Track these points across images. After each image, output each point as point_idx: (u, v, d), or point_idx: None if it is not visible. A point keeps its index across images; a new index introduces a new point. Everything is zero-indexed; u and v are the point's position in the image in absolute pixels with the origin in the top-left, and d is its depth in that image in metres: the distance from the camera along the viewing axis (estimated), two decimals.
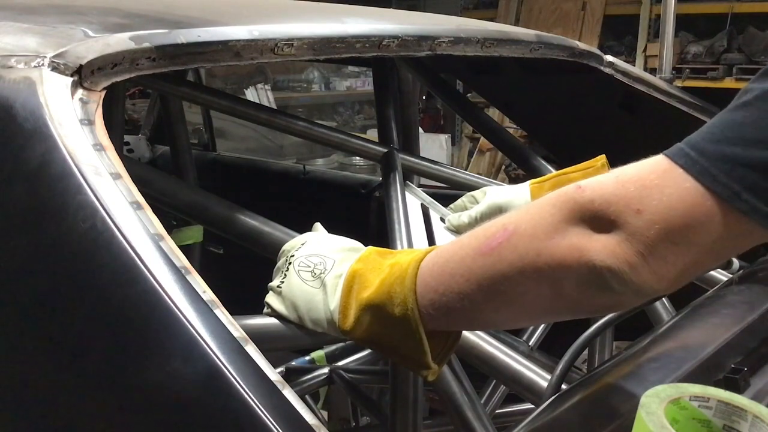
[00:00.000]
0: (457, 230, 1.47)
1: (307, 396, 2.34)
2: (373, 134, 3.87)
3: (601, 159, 1.43)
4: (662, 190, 0.74)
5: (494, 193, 1.48)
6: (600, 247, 0.74)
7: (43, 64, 0.87)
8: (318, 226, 1.06)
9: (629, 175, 0.78)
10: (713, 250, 0.76)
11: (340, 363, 2.33)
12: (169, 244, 0.76)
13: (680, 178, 0.75)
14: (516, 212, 0.82)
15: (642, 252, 0.73)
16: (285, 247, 1.00)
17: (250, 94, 6.15)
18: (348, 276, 0.90)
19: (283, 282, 0.95)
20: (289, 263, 0.95)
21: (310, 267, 0.93)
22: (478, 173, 3.29)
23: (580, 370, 1.58)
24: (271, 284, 0.97)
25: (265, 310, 0.96)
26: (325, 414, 2.58)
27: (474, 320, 0.86)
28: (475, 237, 0.82)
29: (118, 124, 2.58)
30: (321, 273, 0.92)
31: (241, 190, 2.95)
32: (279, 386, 0.69)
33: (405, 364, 0.91)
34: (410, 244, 1.42)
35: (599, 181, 0.79)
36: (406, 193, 1.66)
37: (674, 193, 0.74)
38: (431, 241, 1.49)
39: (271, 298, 0.96)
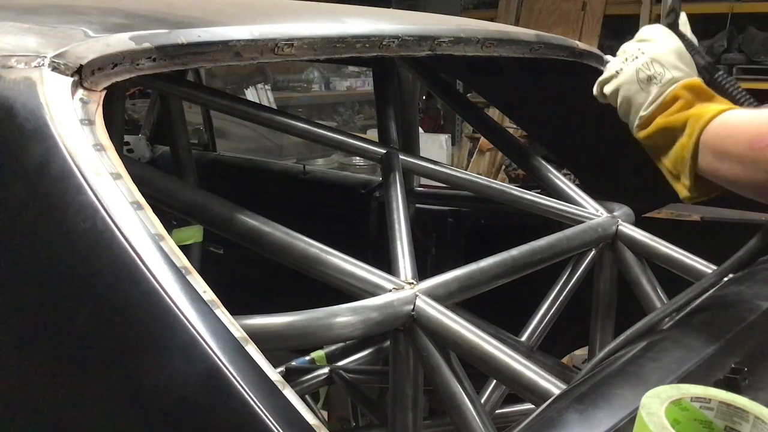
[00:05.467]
0: None
1: (307, 396, 2.35)
2: (373, 134, 3.87)
3: None
4: None
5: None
6: None
7: (43, 64, 0.87)
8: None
9: None
10: None
11: (340, 363, 2.33)
12: (169, 244, 0.76)
13: None
14: None
15: None
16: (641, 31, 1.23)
17: (250, 94, 6.15)
18: (666, 98, 1.12)
19: (621, 68, 1.18)
20: (636, 57, 1.17)
21: (650, 72, 1.15)
22: (478, 173, 3.28)
23: (581, 370, 1.58)
24: (612, 61, 1.21)
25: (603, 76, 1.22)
26: (325, 414, 2.59)
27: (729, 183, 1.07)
28: (745, 128, 1.02)
29: (118, 124, 2.58)
30: (654, 81, 1.14)
31: (241, 190, 2.94)
32: (279, 386, 0.69)
33: (665, 173, 1.15)
34: (410, 244, 1.42)
35: None
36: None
37: None
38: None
39: (607, 72, 1.21)
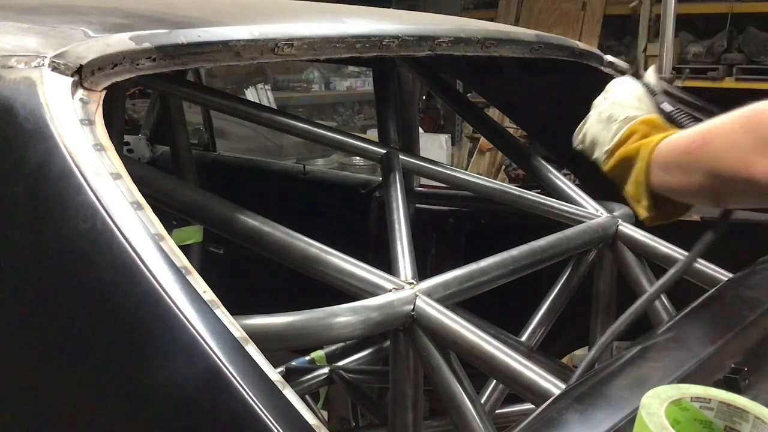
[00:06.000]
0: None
1: (307, 396, 2.34)
2: (373, 134, 3.87)
3: None
4: None
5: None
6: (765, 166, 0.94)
7: (43, 64, 0.87)
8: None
9: None
10: None
11: (340, 363, 2.33)
12: (169, 244, 0.76)
13: None
14: (709, 125, 1.08)
15: None
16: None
17: (250, 94, 6.15)
18: (624, 133, 1.23)
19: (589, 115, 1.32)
20: (600, 104, 1.32)
21: (610, 112, 1.27)
22: (478, 173, 3.28)
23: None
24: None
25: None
26: (325, 414, 2.59)
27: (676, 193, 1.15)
28: (684, 138, 1.12)
29: (118, 124, 2.58)
30: (613, 119, 1.26)
31: (241, 190, 2.94)
32: (279, 386, 0.69)
33: (629, 201, 1.23)
34: (410, 244, 1.42)
35: None
36: None
37: None
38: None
39: (580, 124, 1.34)
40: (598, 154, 1.28)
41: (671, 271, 1.21)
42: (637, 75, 1.36)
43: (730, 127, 1.03)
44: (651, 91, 1.31)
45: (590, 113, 1.33)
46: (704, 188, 1.08)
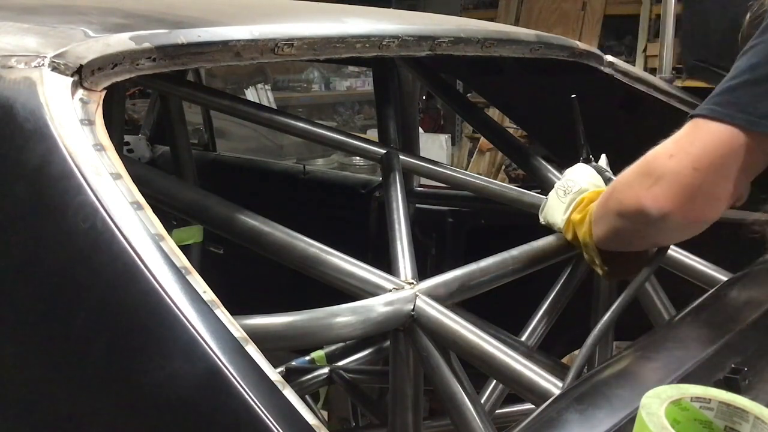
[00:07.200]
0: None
1: (307, 396, 2.35)
2: (373, 134, 3.87)
3: None
4: (692, 136, 1.07)
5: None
6: (650, 196, 1.09)
7: (43, 64, 0.87)
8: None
9: (668, 139, 1.11)
10: (743, 175, 1.06)
11: (340, 363, 2.33)
12: (169, 244, 0.76)
13: (704, 125, 1.06)
14: (618, 176, 1.23)
15: (680, 192, 1.06)
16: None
17: (250, 94, 6.15)
18: (577, 202, 1.37)
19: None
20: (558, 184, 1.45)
21: (565, 187, 1.40)
22: (478, 173, 3.28)
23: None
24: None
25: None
26: (325, 414, 2.59)
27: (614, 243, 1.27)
28: (607, 191, 1.27)
29: (118, 124, 2.58)
30: (568, 192, 1.39)
31: (241, 190, 2.94)
32: (279, 386, 0.69)
33: (591, 264, 1.36)
34: (410, 244, 1.42)
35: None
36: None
37: (703, 137, 1.06)
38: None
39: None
40: (558, 223, 1.39)
41: (614, 306, 1.24)
42: (588, 159, 1.53)
43: (629, 173, 1.18)
44: (602, 171, 1.46)
45: (549, 193, 1.46)
46: (618, 231, 1.22)
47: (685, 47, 2.51)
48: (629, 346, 1.02)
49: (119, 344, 0.74)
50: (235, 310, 0.77)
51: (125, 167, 0.82)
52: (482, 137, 5.87)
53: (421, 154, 2.28)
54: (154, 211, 0.79)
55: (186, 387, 0.70)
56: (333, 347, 2.36)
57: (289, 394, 0.69)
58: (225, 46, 1.03)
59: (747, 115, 1.03)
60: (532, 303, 1.63)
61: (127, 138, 3.14)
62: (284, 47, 1.11)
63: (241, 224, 1.24)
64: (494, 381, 1.49)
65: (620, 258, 1.31)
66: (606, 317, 1.21)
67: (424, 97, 7.03)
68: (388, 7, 5.84)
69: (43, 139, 0.81)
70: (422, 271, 1.33)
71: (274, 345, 1.06)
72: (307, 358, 2.36)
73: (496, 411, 1.56)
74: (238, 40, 1.05)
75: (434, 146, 6.51)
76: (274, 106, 5.95)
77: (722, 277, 1.44)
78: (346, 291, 1.23)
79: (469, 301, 1.33)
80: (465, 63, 2.07)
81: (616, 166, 2.06)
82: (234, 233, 1.25)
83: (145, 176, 1.20)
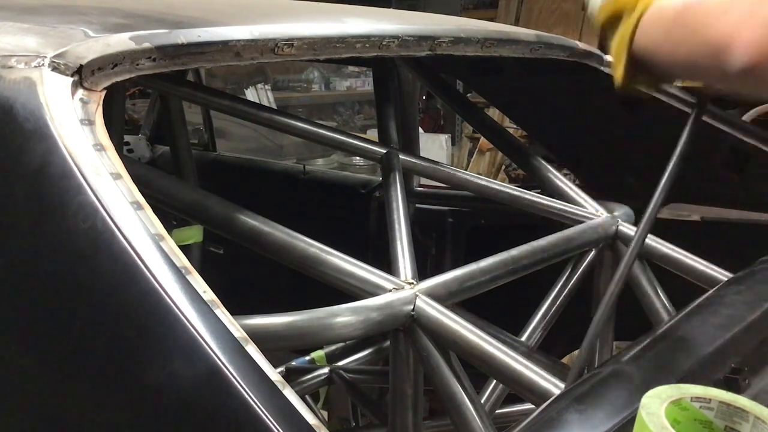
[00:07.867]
0: None
1: (307, 396, 2.35)
2: (373, 134, 3.87)
3: None
4: None
5: None
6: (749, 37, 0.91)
7: (43, 64, 0.87)
8: None
9: None
10: None
11: (340, 363, 2.33)
12: (169, 244, 0.76)
13: None
14: None
15: None
16: None
17: (250, 94, 6.15)
18: None
19: None
20: None
21: None
22: (478, 173, 3.27)
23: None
24: None
25: None
26: (325, 414, 2.59)
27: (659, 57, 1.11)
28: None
29: (118, 124, 2.58)
30: None
31: (241, 190, 2.94)
32: (279, 386, 0.69)
33: (611, 64, 1.19)
34: (410, 244, 1.42)
35: None
36: None
37: None
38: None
39: None
40: (595, 11, 1.19)
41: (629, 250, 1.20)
42: None
43: None
44: None
45: None
46: (678, 55, 1.04)
47: None
48: (629, 346, 1.02)
49: (119, 344, 0.74)
50: (235, 310, 0.77)
51: (125, 167, 0.82)
52: (482, 137, 5.87)
53: (421, 154, 2.28)
54: (154, 211, 0.79)
55: (186, 387, 0.70)
56: (333, 347, 2.36)
57: (289, 394, 0.69)
58: (225, 46, 1.03)
59: None
60: (532, 303, 1.64)
61: (127, 138, 3.14)
62: (284, 47, 1.11)
63: (241, 224, 1.24)
64: (494, 381, 1.50)
65: (645, 72, 1.14)
66: (608, 295, 1.17)
67: (424, 97, 7.04)
68: (388, 7, 5.84)
69: (43, 139, 0.81)
70: (422, 271, 1.33)
71: (274, 345, 1.06)
72: (307, 358, 2.36)
73: (496, 411, 1.56)
74: (238, 40, 1.05)
75: (434, 146, 6.52)
76: (274, 106, 5.95)
77: (722, 277, 1.44)
78: (346, 291, 1.23)
79: (469, 301, 1.33)
80: (465, 63, 2.07)
81: (616, 166, 2.07)
82: (234, 233, 1.25)
83: (145, 176, 1.20)
